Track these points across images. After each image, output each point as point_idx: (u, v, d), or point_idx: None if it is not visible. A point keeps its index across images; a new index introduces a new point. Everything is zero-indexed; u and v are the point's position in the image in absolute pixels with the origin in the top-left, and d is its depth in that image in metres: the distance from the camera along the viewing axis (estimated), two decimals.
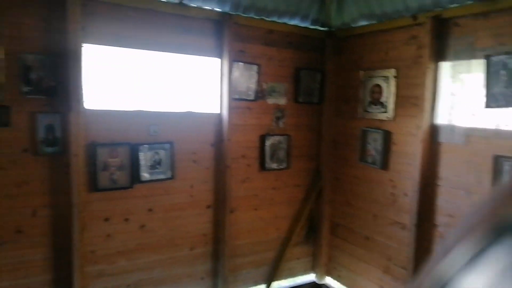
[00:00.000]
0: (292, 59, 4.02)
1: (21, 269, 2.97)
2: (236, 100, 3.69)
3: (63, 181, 3.01)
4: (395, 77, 3.52)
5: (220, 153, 3.70)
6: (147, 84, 3.38)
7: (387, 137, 3.60)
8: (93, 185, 3.14)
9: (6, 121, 2.77)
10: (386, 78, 3.60)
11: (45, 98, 2.91)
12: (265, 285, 4.19)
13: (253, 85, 3.77)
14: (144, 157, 3.34)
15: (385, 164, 3.63)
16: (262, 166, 3.94)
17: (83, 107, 2.99)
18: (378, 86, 3.68)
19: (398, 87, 3.51)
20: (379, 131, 3.65)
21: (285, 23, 3.86)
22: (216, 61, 3.62)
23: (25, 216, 2.94)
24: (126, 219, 3.35)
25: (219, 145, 3.70)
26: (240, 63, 3.68)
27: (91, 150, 3.10)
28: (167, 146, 3.44)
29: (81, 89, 2.96)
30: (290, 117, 4.05)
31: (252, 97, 3.78)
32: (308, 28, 4.03)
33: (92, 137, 3.10)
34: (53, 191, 3.02)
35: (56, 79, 2.92)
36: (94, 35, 3.04)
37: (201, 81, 3.64)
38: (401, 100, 3.49)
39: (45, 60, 2.87)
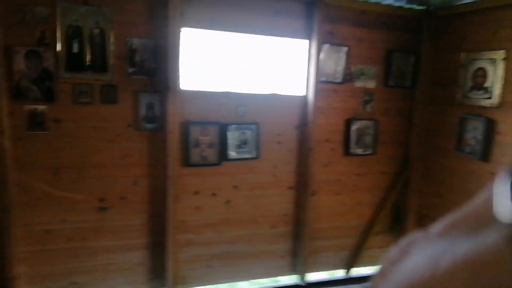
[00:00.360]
0: (384, 40, 3.82)
1: (123, 231, 3.34)
2: (322, 82, 3.64)
3: (159, 155, 3.29)
4: (504, 59, 3.16)
5: (304, 135, 3.71)
6: (237, 65, 3.50)
7: (491, 125, 3.27)
8: (186, 160, 3.38)
9: (114, 98, 3.10)
10: (492, 60, 3.24)
11: (146, 78, 3.18)
12: (345, 270, 4.16)
13: (341, 68, 3.68)
14: (232, 136, 3.48)
15: (486, 155, 3.31)
16: (347, 151, 3.87)
17: (179, 88, 3.21)
18: (482, 69, 3.34)
19: (507, 71, 3.14)
20: (481, 118, 3.33)
21: (378, 3, 3.67)
22: (304, 43, 3.60)
23: (128, 185, 3.28)
24: (214, 194, 3.55)
25: (303, 127, 3.71)
26: (329, 45, 3.61)
27: (185, 127, 3.33)
28: (253, 126, 3.55)
29: (178, 70, 3.17)
30: (378, 101, 3.89)
31: (339, 80, 3.70)
32: (403, 7, 3.78)
33: (186, 115, 3.32)
34: (151, 164, 3.31)
35: (157, 61, 3.17)
36: (191, 19, 3.22)
37: (288, 63, 3.65)
38: (510, 85, 3.13)
39: (147, 43, 3.13)
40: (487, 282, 0.23)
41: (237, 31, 3.39)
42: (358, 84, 3.79)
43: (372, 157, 3.97)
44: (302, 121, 3.70)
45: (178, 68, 3.17)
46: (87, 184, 3.16)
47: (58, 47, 2.87)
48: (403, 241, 0.31)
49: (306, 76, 3.64)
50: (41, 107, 2.90)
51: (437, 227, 0.29)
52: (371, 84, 3.82)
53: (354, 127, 3.81)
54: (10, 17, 2.76)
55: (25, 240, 3.06)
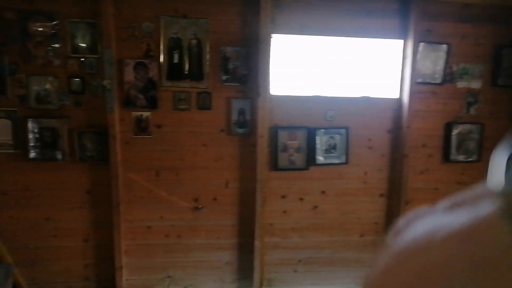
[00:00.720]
0: (492, 35, 3.45)
1: (214, 231, 3.49)
2: (419, 84, 3.41)
3: (249, 159, 3.37)
4: None
5: (397, 140, 3.51)
6: (327, 69, 3.44)
7: None
8: (274, 165, 3.42)
9: (208, 105, 3.26)
10: None
11: (238, 85, 3.29)
12: None
13: (440, 67, 3.41)
14: (320, 141, 3.44)
15: None
16: (446, 158, 3.56)
17: (269, 93, 3.27)
18: None
19: None
20: None
21: None
22: (399, 43, 3.41)
23: (220, 187, 3.43)
24: (301, 199, 3.54)
25: (396, 132, 3.51)
26: (426, 44, 3.37)
27: (273, 132, 3.37)
28: (342, 131, 3.46)
29: (268, 76, 3.23)
30: (484, 103, 3.52)
31: (438, 81, 3.43)
32: None
33: (274, 120, 3.36)
34: (241, 167, 3.42)
35: (248, 68, 3.26)
36: (282, 25, 3.26)
37: (381, 64, 3.49)
38: None
39: (239, 51, 3.23)
40: (478, 252, 0.23)
41: (328, 35, 3.34)
42: (461, 84, 3.47)
43: (477, 164, 3.61)
44: (395, 125, 3.50)
45: (268, 74, 3.23)
46: (183, 185, 3.37)
47: (161, 58, 3.12)
48: (409, 215, 0.32)
49: (401, 77, 3.44)
50: (146, 114, 3.18)
51: (443, 203, 0.30)
52: (475, 84, 3.48)
53: (455, 131, 3.49)
54: (121, 33, 3.08)
55: (129, 234, 3.37)
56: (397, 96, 3.47)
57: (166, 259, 3.48)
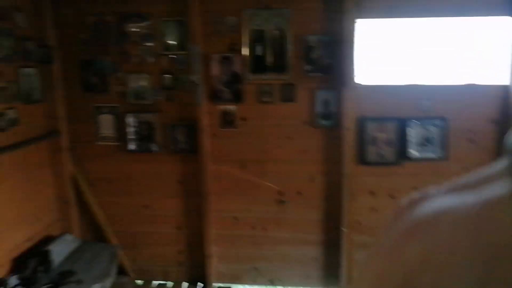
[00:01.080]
0: None
1: (299, 225, 3.45)
2: None
3: (335, 152, 3.25)
4: None
5: (505, 133, 3.07)
6: (420, 54, 3.16)
7: None
8: (361, 158, 3.25)
9: (292, 96, 3.22)
10: None
11: (322, 75, 3.19)
12: None
13: None
14: (413, 134, 3.17)
15: None
16: None
17: (355, 83, 3.11)
18: None
19: None
20: None
21: None
22: (507, 20, 2.97)
23: (304, 180, 3.37)
24: (391, 196, 3.31)
25: (504, 123, 3.07)
26: None
27: (361, 124, 3.20)
28: (439, 122, 3.15)
29: (354, 65, 3.07)
30: None
31: None
32: None
33: (362, 111, 3.19)
34: (326, 161, 3.32)
35: (332, 57, 3.14)
36: (368, 10, 3.07)
37: (486, 47, 3.08)
38: None
39: (323, 40, 3.13)
40: (487, 235, 0.22)
41: (420, 16, 3.05)
42: None
43: None
44: (503, 115, 3.07)
45: (354, 62, 3.07)
46: (268, 177, 3.39)
47: (245, 51, 3.17)
48: (415, 195, 0.31)
49: (511, 60, 3.00)
50: (231, 107, 3.26)
51: (452, 184, 0.29)
52: None
53: None
54: (207, 29, 3.20)
55: (217, 224, 3.50)
56: (505, 82, 3.04)
57: (252, 251, 3.54)
